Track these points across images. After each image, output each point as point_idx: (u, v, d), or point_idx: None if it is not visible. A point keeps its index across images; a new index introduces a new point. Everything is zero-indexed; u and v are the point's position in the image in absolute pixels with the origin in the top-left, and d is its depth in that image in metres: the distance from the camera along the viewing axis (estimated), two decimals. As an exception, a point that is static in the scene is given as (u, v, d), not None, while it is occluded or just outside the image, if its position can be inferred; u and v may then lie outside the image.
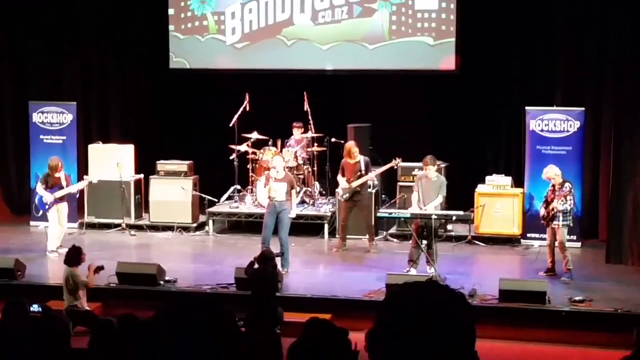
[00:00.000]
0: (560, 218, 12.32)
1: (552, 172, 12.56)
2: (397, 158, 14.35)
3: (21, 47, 17.10)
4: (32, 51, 17.07)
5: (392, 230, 15.13)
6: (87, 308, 10.89)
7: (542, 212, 12.64)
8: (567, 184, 12.42)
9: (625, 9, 14.65)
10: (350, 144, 14.37)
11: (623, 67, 14.64)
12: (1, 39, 17.05)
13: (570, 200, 12.37)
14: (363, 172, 14.22)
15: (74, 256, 10.99)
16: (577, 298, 11.37)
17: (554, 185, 12.48)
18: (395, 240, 14.85)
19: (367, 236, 14.45)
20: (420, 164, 13.34)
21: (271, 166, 13.31)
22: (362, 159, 14.30)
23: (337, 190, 14.75)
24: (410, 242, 12.98)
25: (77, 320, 10.49)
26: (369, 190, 14.57)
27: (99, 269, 11.04)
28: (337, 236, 14.81)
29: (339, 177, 14.42)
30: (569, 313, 11.08)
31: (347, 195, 14.31)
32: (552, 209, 12.30)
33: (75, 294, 10.80)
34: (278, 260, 10.98)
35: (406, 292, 2.67)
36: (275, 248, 11.96)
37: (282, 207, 12.75)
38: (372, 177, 14.41)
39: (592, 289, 11.93)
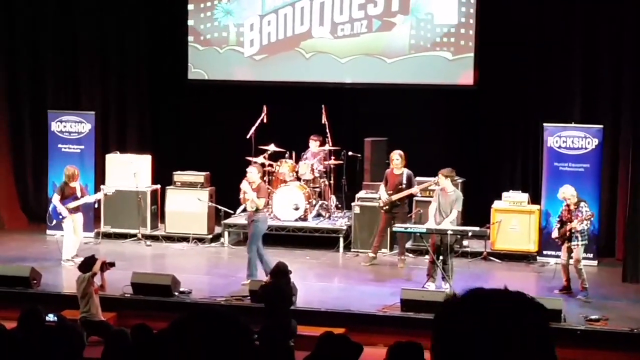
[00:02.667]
0: (579, 238, 12.24)
1: (568, 193, 12.47)
2: (437, 176, 13.88)
3: (40, 57, 17.19)
4: (51, 61, 17.16)
5: (408, 244, 15.06)
6: (102, 318, 10.89)
7: (555, 233, 12.55)
8: (582, 204, 12.32)
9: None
10: (396, 154, 14.25)
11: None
12: (21, 49, 17.13)
13: (587, 223, 12.30)
14: (404, 185, 14.14)
15: (89, 263, 11.00)
16: (592, 317, 11.29)
17: (568, 205, 12.40)
18: (410, 255, 14.80)
19: (398, 251, 14.37)
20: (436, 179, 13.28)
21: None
22: (405, 172, 14.18)
23: (378, 200, 14.55)
24: (428, 256, 12.95)
25: (91, 331, 10.49)
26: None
27: (109, 265, 10.98)
28: (352, 250, 14.79)
29: (382, 187, 14.31)
30: (585, 332, 11.01)
31: (387, 207, 14.23)
32: (570, 229, 12.22)
33: (86, 300, 10.78)
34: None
35: (477, 302, 2.30)
36: (274, 257, 11.93)
37: (251, 217, 12.90)
38: (414, 191, 14.29)
39: (608, 308, 11.86)
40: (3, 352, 6.56)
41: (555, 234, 12.57)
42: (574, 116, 15.06)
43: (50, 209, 14.45)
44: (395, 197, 14.10)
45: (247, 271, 12.71)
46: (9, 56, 17.07)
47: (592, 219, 12.41)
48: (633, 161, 13.64)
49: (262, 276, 12.40)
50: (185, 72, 16.88)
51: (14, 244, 15.46)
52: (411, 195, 14.37)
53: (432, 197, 13.41)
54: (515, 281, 13.69)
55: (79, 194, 14.20)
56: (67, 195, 14.10)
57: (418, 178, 14.65)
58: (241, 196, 13.11)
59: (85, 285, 10.75)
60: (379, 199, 14.39)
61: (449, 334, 2.28)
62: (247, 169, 13.28)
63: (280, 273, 10.11)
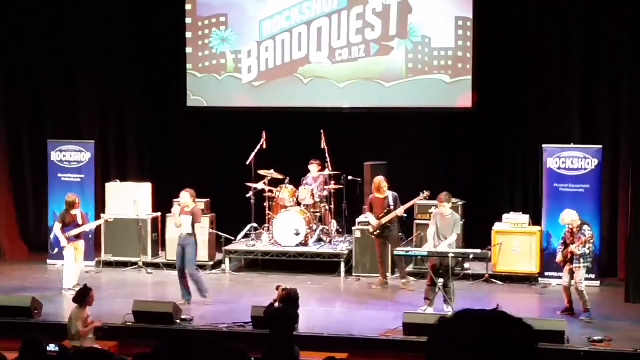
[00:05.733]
0: (581, 260, 12.20)
1: (568, 219, 12.42)
2: (424, 191, 14.07)
3: (39, 86, 17.22)
4: (50, 90, 17.19)
5: (409, 268, 15.06)
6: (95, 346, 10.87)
7: (559, 256, 12.50)
8: (585, 227, 12.28)
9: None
10: (380, 179, 14.32)
11: (640, 104, 14.62)
12: (20, 79, 17.17)
13: (590, 246, 12.27)
14: (392, 207, 14.17)
15: (81, 295, 11.08)
16: (596, 338, 11.25)
17: (572, 228, 12.37)
18: (412, 278, 14.77)
19: (399, 273, 14.37)
20: (437, 202, 13.29)
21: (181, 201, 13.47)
22: (390, 194, 14.25)
23: (367, 227, 14.62)
24: (426, 280, 12.93)
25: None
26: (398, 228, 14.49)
27: (99, 329, 11.03)
28: (353, 275, 14.82)
29: (368, 214, 14.38)
30: (588, 353, 10.96)
31: (378, 231, 14.26)
32: (571, 252, 12.19)
33: (74, 334, 10.80)
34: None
35: (461, 324, 2.43)
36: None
37: (186, 241, 13.07)
38: (401, 212, 14.33)
39: (611, 329, 11.82)
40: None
41: (559, 257, 12.52)
42: (573, 137, 15.08)
43: (51, 237, 14.45)
44: (384, 219, 14.13)
45: (192, 291, 13.13)
46: (9, 86, 17.10)
47: (592, 241, 12.36)
48: (633, 181, 13.64)
49: (196, 295, 13.07)
50: (184, 99, 16.93)
51: (15, 274, 15.44)
52: (400, 217, 14.37)
53: (430, 219, 13.41)
54: (518, 303, 13.65)
55: (80, 221, 14.20)
56: (68, 222, 14.10)
57: (420, 202, 14.67)
58: (174, 220, 13.36)
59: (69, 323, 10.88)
60: (368, 225, 14.44)
61: (441, 354, 2.35)
62: (180, 194, 13.51)
63: (292, 300, 10.07)
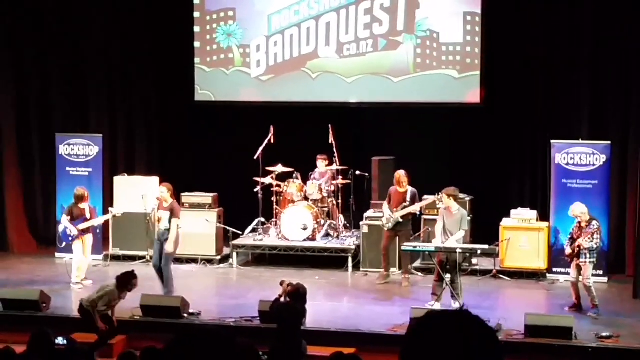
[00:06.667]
0: (587, 255, 12.20)
1: (578, 210, 12.44)
2: (440, 193, 13.54)
3: (48, 80, 17.24)
4: (59, 84, 17.21)
5: (417, 263, 15.05)
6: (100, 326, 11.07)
7: (568, 249, 12.51)
8: (594, 222, 12.29)
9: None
10: (400, 173, 14.25)
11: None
12: (29, 73, 17.19)
13: (597, 238, 12.27)
14: (408, 203, 14.14)
15: (125, 278, 11.31)
16: (604, 334, 11.24)
17: (580, 222, 12.37)
18: (419, 273, 14.76)
19: (403, 269, 14.37)
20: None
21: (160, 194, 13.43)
22: (410, 189, 14.20)
23: (381, 219, 14.54)
24: (434, 276, 12.92)
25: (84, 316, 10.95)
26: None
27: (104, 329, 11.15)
28: (361, 270, 14.83)
29: (385, 205, 14.32)
30: (596, 349, 10.96)
31: (390, 224, 14.22)
32: (578, 246, 12.19)
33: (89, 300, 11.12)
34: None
35: (432, 323, 2.62)
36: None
37: (165, 236, 13.04)
38: (417, 209, 14.29)
39: (619, 325, 11.81)
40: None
41: (567, 250, 12.53)
42: (581, 133, 15.05)
43: (60, 230, 14.46)
44: (398, 214, 14.08)
45: (166, 288, 13.09)
46: (18, 80, 17.12)
47: (599, 233, 12.33)
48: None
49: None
50: (192, 94, 16.93)
51: (23, 267, 15.48)
52: (414, 214, 14.34)
53: (438, 215, 13.39)
54: (526, 299, 13.66)
55: (88, 215, 14.22)
56: (76, 216, 14.12)
57: (425, 196, 14.68)
58: (152, 214, 13.29)
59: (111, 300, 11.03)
60: (383, 216, 14.39)
61: (412, 353, 2.57)
62: (159, 189, 13.49)
63: (300, 296, 10.08)
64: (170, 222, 13.08)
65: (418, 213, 14.53)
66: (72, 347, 8.30)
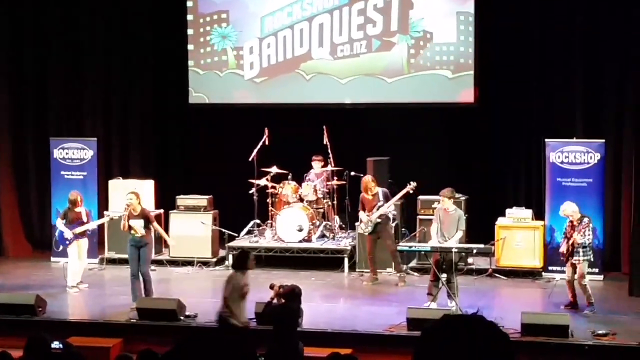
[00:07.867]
0: (581, 253, 12.23)
1: (569, 210, 12.48)
2: (411, 182, 14.13)
3: (43, 84, 17.22)
4: (54, 88, 17.19)
5: (413, 263, 15.07)
6: (243, 322, 10.28)
7: (563, 248, 12.53)
8: (585, 219, 12.32)
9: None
10: (367, 179, 14.38)
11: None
12: (24, 76, 17.17)
13: (589, 234, 12.29)
14: (382, 202, 14.21)
15: (240, 260, 10.58)
16: (600, 332, 11.24)
17: (572, 221, 12.40)
18: (415, 273, 14.78)
19: (394, 268, 14.38)
20: (440, 197, 13.28)
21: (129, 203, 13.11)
22: (380, 191, 14.29)
23: (359, 225, 14.67)
24: (429, 276, 12.93)
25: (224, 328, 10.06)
26: (391, 223, 14.50)
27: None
28: (357, 270, 14.83)
29: (360, 212, 14.43)
30: (592, 347, 10.97)
31: (369, 228, 14.27)
32: (573, 243, 12.21)
33: (234, 300, 10.21)
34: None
35: (446, 327, 2.63)
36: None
37: (141, 242, 12.86)
38: (390, 205, 14.34)
39: (615, 323, 11.82)
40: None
41: (563, 248, 12.55)
42: (576, 131, 15.07)
43: (56, 234, 14.43)
44: (374, 215, 14.17)
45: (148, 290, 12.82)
46: (12, 83, 17.10)
47: (589, 227, 12.32)
48: (637, 174, 13.63)
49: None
50: (186, 96, 16.93)
51: (19, 272, 15.46)
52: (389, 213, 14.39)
53: (434, 215, 13.40)
54: (522, 297, 13.68)
55: (84, 219, 14.19)
56: (71, 220, 14.09)
57: (420, 197, 14.72)
58: (123, 222, 13.05)
59: (231, 288, 10.26)
60: (360, 223, 14.45)
61: (425, 357, 2.58)
62: (128, 196, 13.19)
63: (295, 296, 10.06)
64: (147, 228, 12.88)
65: (392, 212, 14.50)
66: (69, 351, 8.29)
